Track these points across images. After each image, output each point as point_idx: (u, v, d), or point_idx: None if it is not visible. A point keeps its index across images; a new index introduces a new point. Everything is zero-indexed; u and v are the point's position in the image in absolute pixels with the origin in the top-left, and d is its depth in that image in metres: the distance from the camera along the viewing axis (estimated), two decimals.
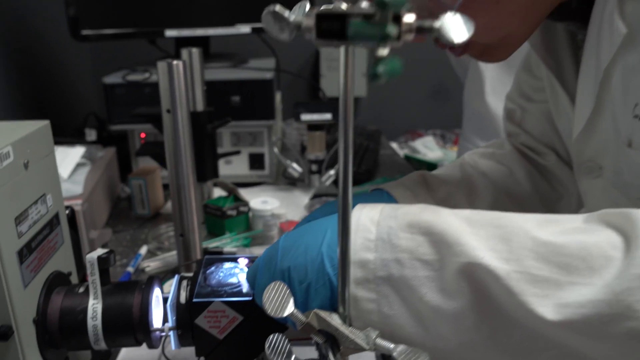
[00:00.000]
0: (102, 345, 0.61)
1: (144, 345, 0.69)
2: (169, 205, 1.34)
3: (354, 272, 0.49)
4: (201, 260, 0.66)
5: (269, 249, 0.56)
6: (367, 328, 0.47)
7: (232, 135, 1.44)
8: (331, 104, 1.30)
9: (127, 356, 0.77)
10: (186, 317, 0.60)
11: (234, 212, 1.15)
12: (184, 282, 0.63)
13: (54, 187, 0.66)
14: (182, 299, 0.61)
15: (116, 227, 1.23)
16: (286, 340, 0.49)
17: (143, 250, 1.10)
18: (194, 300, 0.59)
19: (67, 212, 0.71)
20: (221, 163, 1.29)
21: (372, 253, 0.49)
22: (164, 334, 0.64)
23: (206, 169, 1.17)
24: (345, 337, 0.46)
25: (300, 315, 0.47)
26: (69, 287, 0.64)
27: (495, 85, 1.42)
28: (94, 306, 0.61)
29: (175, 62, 0.88)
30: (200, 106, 1.14)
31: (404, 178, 0.76)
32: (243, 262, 0.66)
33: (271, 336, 0.48)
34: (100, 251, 0.62)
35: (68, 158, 1.18)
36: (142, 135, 1.45)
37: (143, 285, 0.63)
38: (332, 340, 0.48)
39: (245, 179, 1.46)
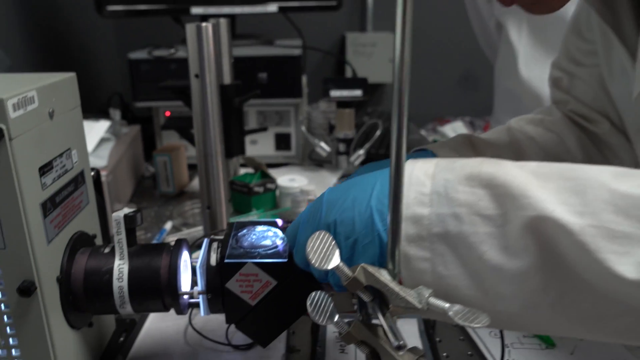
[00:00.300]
0: (128, 309, 0.58)
1: (171, 317, 0.65)
2: (194, 184, 1.31)
3: (406, 229, 0.44)
4: (231, 225, 0.63)
5: (312, 204, 0.52)
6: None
7: (259, 114, 1.41)
8: (361, 81, 1.26)
9: (152, 327, 0.74)
10: (216, 280, 0.56)
11: (261, 189, 1.11)
12: (214, 244, 0.59)
13: (80, 143, 0.63)
14: (213, 261, 0.57)
15: (140, 204, 1.21)
16: (329, 299, 0.45)
17: (168, 225, 1.07)
18: (226, 261, 0.55)
19: (92, 174, 0.68)
20: (247, 143, 1.25)
21: (426, 208, 0.44)
22: (192, 299, 0.61)
23: (233, 145, 1.13)
24: (395, 295, 0.42)
25: (346, 269, 0.43)
26: (94, 248, 0.60)
27: (528, 60, 1.36)
28: (120, 267, 0.57)
29: (204, 24, 0.84)
30: (227, 78, 1.10)
31: (448, 140, 0.71)
32: (278, 223, 0.62)
33: (313, 293, 0.44)
34: (126, 210, 0.59)
35: (92, 132, 1.15)
36: (167, 113, 1.43)
37: (171, 247, 0.60)
38: (380, 298, 0.44)
39: (271, 159, 1.42)
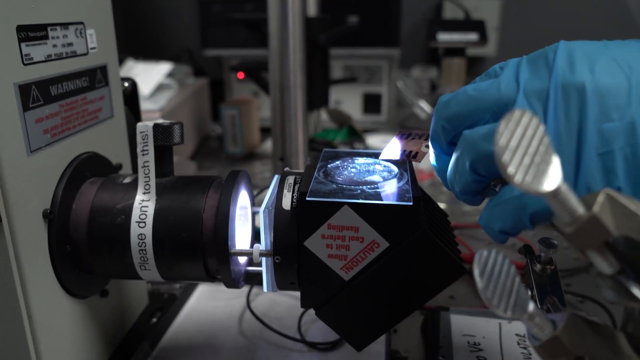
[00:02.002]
0: (153, 273, 0.37)
1: (224, 294, 0.43)
2: (266, 146, 1.11)
3: None
4: (317, 155, 0.40)
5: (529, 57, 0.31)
6: None
7: (345, 69, 1.18)
8: (477, 24, 1.00)
9: (197, 307, 0.53)
10: (290, 234, 0.34)
11: (346, 148, 0.88)
12: (289, 179, 0.37)
13: (104, 25, 0.42)
14: (286, 204, 0.35)
15: (202, 164, 1.02)
16: (513, 269, 0.22)
17: None
18: (308, 199, 0.33)
19: (124, 84, 0.48)
20: (330, 103, 1.04)
21: None
22: (252, 266, 0.39)
23: (315, 94, 0.91)
24: None
25: (572, 199, 0.19)
26: (110, 177, 0.40)
27: None
28: (144, 205, 0.36)
29: None
30: (312, 10, 0.89)
31: None
32: (392, 151, 0.39)
33: (484, 252, 0.21)
34: (159, 120, 0.38)
35: (151, 74, 0.98)
36: (240, 75, 1.23)
37: (222, 181, 0.38)
38: (637, 268, 0.20)
39: (357, 124, 1.19)
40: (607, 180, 0.26)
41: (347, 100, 1.20)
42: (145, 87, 0.94)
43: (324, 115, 1.00)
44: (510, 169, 0.18)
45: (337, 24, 1.10)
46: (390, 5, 1.08)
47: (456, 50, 1.00)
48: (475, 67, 1.87)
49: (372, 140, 0.91)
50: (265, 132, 1.11)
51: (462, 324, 0.47)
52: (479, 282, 0.21)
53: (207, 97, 1.19)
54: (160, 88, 1.00)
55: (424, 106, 1.04)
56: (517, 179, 0.18)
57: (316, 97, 0.92)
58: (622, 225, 0.19)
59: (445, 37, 0.97)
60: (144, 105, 0.88)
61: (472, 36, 0.96)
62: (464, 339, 0.45)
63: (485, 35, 0.97)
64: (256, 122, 1.10)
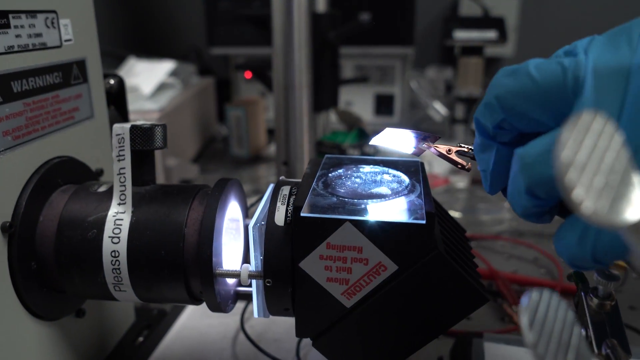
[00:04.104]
0: (129, 294, 0.33)
1: (217, 313, 0.39)
2: (272, 149, 1.06)
3: None
4: (318, 161, 0.36)
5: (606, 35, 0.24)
6: None
7: (356, 68, 1.13)
8: (496, 21, 0.94)
9: (188, 325, 0.49)
10: (283, 253, 0.30)
11: (356, 152, 0.83)
12: (284, 190, 0.32)
13: (82, 15, 0.38)
14: (279, 219, 0.30)
15: (206, 166, 0.98)
16: (570, 311, 0.17)
17: None
18: (303, 215, 0.28)
19: (109, 81, 0.44)
20: (340, 103, 0.99)
21: None
22: (242, 287, 0.34)
23: (323, 94, 0.86)
24: None
25: None
26: (84, 185, 0.36)
27: None
28: (118, 217, 0.32)
29: None
30: (322, 5, 0.84)
31: None
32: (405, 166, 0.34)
33: (534, 292, 0.16)
34: (139, 121, 0.34)
35: (153, 73, 0.94)
36: (248, 75, 1.19)
37: (209, 191, 0.34)
38: None
39: (368, 126, 1.14)
40: None
41: (358, 101, 1.15)
42: (146, 87, 0.90)
43: (333, 116, 0.95)
44: (578, 192, 0.13)
45: (348, 20, 1.05)
46: (404, 2, 1.03)
47: (473, 49, 0.94)
48: (491, 68, 1.80)
49: None
50: (273, 133, 1.07)
51: (497, 354, 0.41)
52: (528, 336, 0.16)
53: (212, 97, 1.15)
54: (162, 87, 0.95)
55: (439, 108, 0.99)
56: (587, 206, 0.13)
57: (325, 97, 0.87)
58: None
59: (462, 35, 0.91)
60: (144, 105, 0.84)
61: (491, 34, 0.91)
62: None
63: (504, 33, 0.92)
64: (263, 124, 1.05)
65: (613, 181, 0.14)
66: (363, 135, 0.87)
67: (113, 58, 1.14)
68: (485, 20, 0.95)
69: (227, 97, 1.23)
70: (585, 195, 0.13)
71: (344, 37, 0.86)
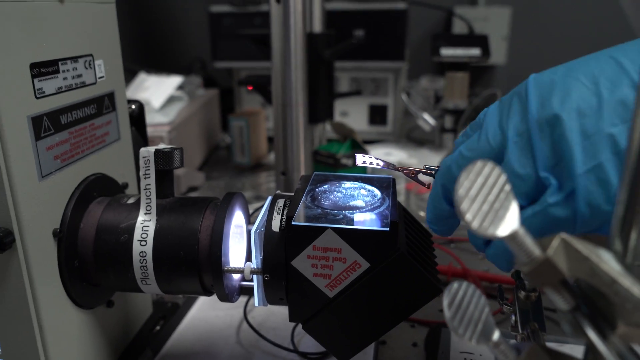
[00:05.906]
0: (153, 287, 0.40)
1: (223, 305, 0.46)
2: (273, 157, 1.14)
3: None
4: (307, 177, 0.43)
5: (504, 98, 0.35)
6: None
7: (352, 81, 1.21)
8: (480, 39, 1.02)
9: (198, 316, 0.56)
10: (278, 254, 0.37)
11: (349, 162, 0.91)
12: (279, 202, 0.40)
13: (112, 54, 0.46)
14: (275, 226, 0.38)
15: (211, 174, 1.05)
16: (482, 298, 0.24)
17: None
18: (293, 223, 0.35)
19: (131, 106, 0.52)
20: (336, 115, 1.06)
21: None
22: (245, 281, 0.42)
23: (319, 107, 0.94)
24: (633, 303, 0.20)
25: (529, 242, 0.22)
26: (116, 197, 0.43)
27: None
28: (145, 224, 0.39)
29: None
30: (317, 26, 0.91)
31: None
32: (379, 182, 0.41)
33: (455, 284, 0.24)
34: (161, 145, 0.41)
35: (162, 87, 1.02)
36: (249, 87, 1.26)
37: (218, 202, 0.41)
38: (593, 306, 0.22)
39: (362, 135, 1.22)
40: (605, 191, 0.28)
41: (353, 112, 1.22)
42: (156, 101, 0.97)
43: (329, 127, 1.02)
44: (468, 216, 0.21)
45: (343, 38, 1.12)
46: (395, 21, 1.10)
47: (459, 65, 1.02)
48: (485, 75, 1.89)
49: (377, 151, 0.93)
50: (273, 141, 1.14)
51: (461, 342, 0.49)
52: (447, 312, 0.23)
53: (217, 108, 1.23)
54: (170, 100, 1.03)
55: (428, 118, 1.06)
56: (475, 224, 0.21)
57: (321, 110, 0.95)
58: (574, 268, 0.21)
59: (448, 52, 0.99)
60: (155, 119, 0.92)
61: (475, 51, 0.98)
62: (462, 356, 0.47)
63: (488, 50, 0.99)
64: (264, 133, 1.13)
65: (496, 207, 0.21)
66: (355, 145, 0.94)
67: (125, 72, 1.21)
68: (470, 38, 1.02)
69: (231, 106, 1.30)
70: (472, 219, 0.21)
71: (339, 55, 0.94)
